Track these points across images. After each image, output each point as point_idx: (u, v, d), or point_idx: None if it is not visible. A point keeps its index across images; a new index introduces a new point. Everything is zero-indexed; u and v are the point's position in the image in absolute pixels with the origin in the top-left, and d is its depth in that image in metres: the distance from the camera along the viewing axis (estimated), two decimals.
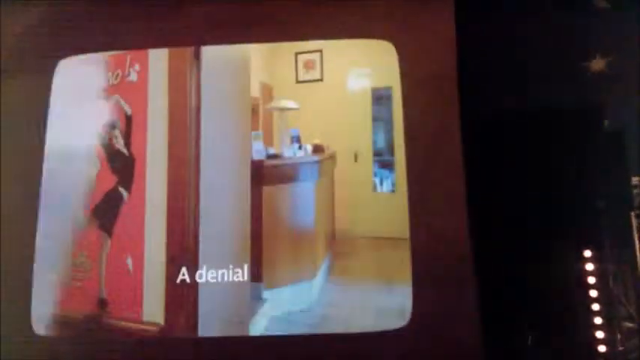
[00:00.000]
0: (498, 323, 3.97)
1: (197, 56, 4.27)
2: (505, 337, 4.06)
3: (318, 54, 4.36)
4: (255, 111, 4.36)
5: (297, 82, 4.37)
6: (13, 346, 3.87)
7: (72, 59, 4.31)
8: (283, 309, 4.08)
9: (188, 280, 4.00)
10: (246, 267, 4.01)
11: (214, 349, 3.90)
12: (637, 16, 4.47)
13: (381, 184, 4.30)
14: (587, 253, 4.26)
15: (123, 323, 4.01)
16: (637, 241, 4.30)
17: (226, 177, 4.14)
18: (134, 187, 4.17)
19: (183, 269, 4.01)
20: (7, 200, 4.06)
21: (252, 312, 4.01)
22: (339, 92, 4.36)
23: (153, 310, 4.01)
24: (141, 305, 4.03)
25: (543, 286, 4.20)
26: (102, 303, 4.05)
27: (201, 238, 4.05)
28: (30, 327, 3.94)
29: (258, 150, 4.26)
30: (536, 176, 4.23)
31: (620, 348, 4.14)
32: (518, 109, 4.44)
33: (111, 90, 4.27)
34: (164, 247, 4.06)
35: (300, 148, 4.38)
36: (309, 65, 4.37)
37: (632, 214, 4.36)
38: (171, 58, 4.27)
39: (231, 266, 4.01)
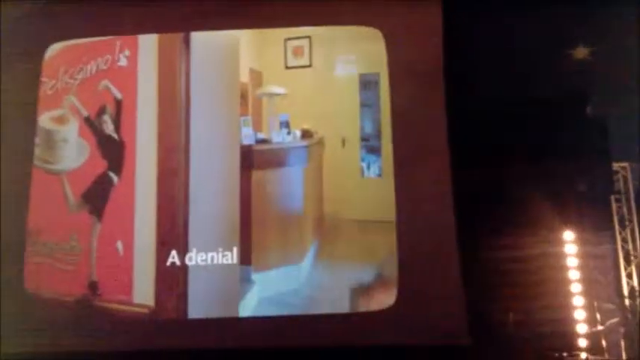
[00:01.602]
0: (481, 303, 4.05)
1: (187, 42, 4.29)
2: (488, 315, 4.15)
3: (306, 40, 4.40)
4: (244, 96, 4.41)
5: (286, 68, 4.41)
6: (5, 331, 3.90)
7: (61, 44, 4.32)
8: (272, 291, 4.15)
9: (178, 263, 4.05)
10: (235, 250, 4.06)
11: (204, 331, 3.96)
12: (620, 5, 4.54)
13: (369, 168, 4.35)
14: (569, 236, 4.36)
15: (114, 306, 4.05)
16: (617, 224, 4.41)
17: (216, 161, 4.18)
18: (124, 171, 4.20)
19: (173, 252, 4.06)
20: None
21: (241, 294, 4.07)
22: (327, 78, 4.41)
23: (143, 293, 4.05)
24: (131, 288, 4.07)
25: (525, 266, 4.30)
26: (93, 286, 4.08)
27: (190, 222, 4.10)
28: (21, 310, 3.97)
29: (248, 135, 4.31)
30: (520, 161, 4.31)
31: (600, 328, 4.24)
32: (502, 95, 4.50)
33: (100, 75, 4.29)
34: (154, 230, 4.11)
35: (288, 133, 4.42)
36: (297, 51, 4.41)
37: (613, 198, 4.46)
38: (160, 43, 4.29)
39: (220, 249, 4.06)
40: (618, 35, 4.52)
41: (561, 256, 4.34)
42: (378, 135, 4.30)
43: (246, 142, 4.28)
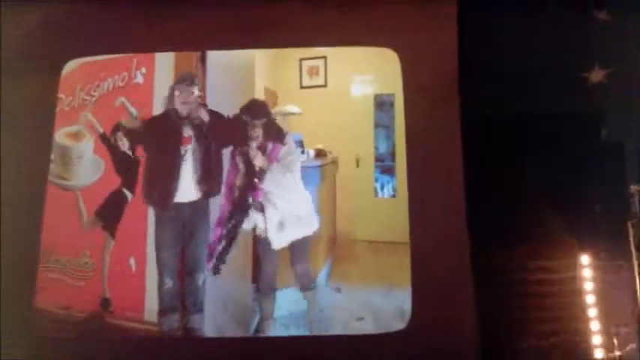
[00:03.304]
0: (496, 328, 4.00)
1: (203, 60, 4.33)
2: (503, 342, 4.10)
3: (322, 60, 4.43)
4: None
5: (301, 87, 4.43)
6: (14, 346, 3.90)
7: (79, 61, 4.37)
8: (284, 310, 4.13)
9: (189, 281, 4.04)
10: (248, 269, 4.05)
11: (216, 350, 3.93)
12: (637, 27, 4.53)
13: (382, 189, 4.35)
14: (585, 260, 4.30)
15: (125, 323, 4.05)
16: (633, 248, 4.35)
17: None
18: (138, 188, 4.21)
19: (185, 270, 4.05)
20: (14, 199, 4.09)
21: (253, 313, 4.06)
22: (342, 98, 4.43)
23: (154, 310, 4.05)
24: (143, 305, 4.07)
25: (540, 291, 4.24)
26: (105, 303, 4.09)
27: None
28: (32, 326, 3.97)
29: None
30: (535, 183, 4.28)
31: (618, 353, 4.17)
32: (517, 117, 4.49)
33: (117, 92, 4.32)
34: None
35: (302, 152, 4.42)
36: (313, 71, 4.44)
37: (629, 222, 4.41)
38: (177, 61, 4.33)
39: (233, 268, 4.05)
40: (636, 57, 4.50)
41: (577, 281, 4.28)
42: (392, 155, 4.30)
43: None
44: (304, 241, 4.12)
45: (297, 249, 4.13)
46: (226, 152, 4.16)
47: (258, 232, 4.12)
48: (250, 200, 4.11)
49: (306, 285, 4.11)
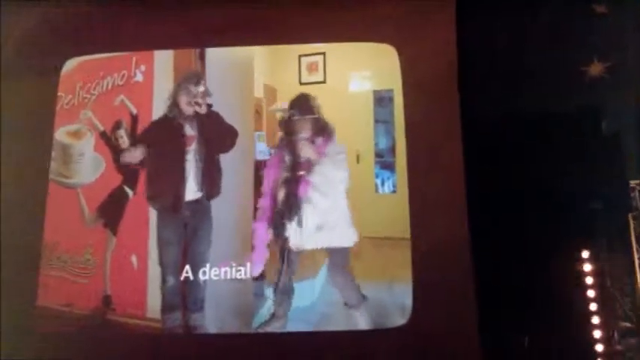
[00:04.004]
0: (496, 322, 4.01)
1: (202, 58, 4.33)
2: (503, 335, 4.10)
3: (321, 56, 4.42)
4: (258, 112, 4.42)
5: (301, 84, 4.42)
6: (17, 343, 3.91)
7: (78, 59, 4.37)
8: None
9: (191, 278, 4.05)
10: (248, 265, 4.06)
11: (217, 345, 3.95)
12: (635, 21, 4.52)
13: (383, 184, 4.34)
14: (585, 254, 4.31)
15: (127, 320, 4.06)
16: (634, 242, 4.35)
17: (230, 176, 4.19)
18: (139, 186, 4.23)
19: (187, 267, 4.06)
20: (15, 197, 4.10)
21: (254, 309, 4.07)
22: (341, 94, 4.41)
23: (156, 308, 4.06)
24: (145, 302, 4.08)
25: (541, 286, 4.24)
26: (106, 300, 4.10)
27: None
28: (34, 323, 3.99)
29: (262, 150, 4.32)
30: (535, 178, 4.28)
31: (618, 347, 4.18)
32: (517, 112, 4.49)
33: (117, 90, 4.33)
34: None
35: None
36: (312, 67, 4.43)
37: (630, 216, 4.41)
38: (176, 59, 4.34)
39: (234, 264, 4.06)
40: (635, 51, 4.49)
41: (578, 275, 4.29)
42: (392, 151, 4.29)
43: (260, 157, 4.29)
44: (342, 251, 4.07)
45: (335, 259, 4.06)
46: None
47: (293, 229, 4.08)
48: (296, 195, 4.08)
49: (353, 301, 4.00)
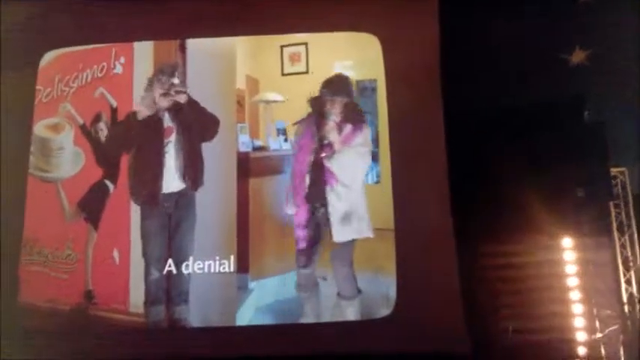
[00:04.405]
0: (480, 312, 4.04)
1: (182, 49, 4.28)
2: (487, 325, 4.13)
3: (303, 47, 4.38)
4: (240, 103, 4.38)
5: (283, 74, 4.39)
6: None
7: (56, 52, 4.31)
8: (269, 299, 4.14)
9: (175, 272, 4.03)
10: (232, 258, 4.05)
11: (201, 339, 3.94)
12: (617, 8, 4.53)
13: (367, 175, 4.33)
14: (567, 242, 4.34)
15: (109, 314, 4.03)
16: (615, 231, 4.39)
17: (212, 169, 4.16)
18: (120, 179, 4.18)
19: (170, 261, 4.04)
20: None
21: (238, 302, 4.06)
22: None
23: (139, 302, 4.03)
24: (127, 296, 4.05)
25: (523, 273, 4.28)
26: (88, 295, 4.07)
27: None
28: (16, 319, 3.95)
29: (244, 142, 4.29)
30: (518, 167, 4.29)
31: (599, 335, 4.22)
32: (500, 100, 4.49)
33: (96, 82, 4.27)
34: None
35: (285, 140, 4.39)
36: (294, 58, 4.39)
37: (611, 204, 4.44)
38: (156, 50, 4.28)
39: (217, 257, 4.04)
40: (616, 39, 4.50)
41: (560, 263, 4.32)
42: (375, 141, 4.28)
43: (242, 149, 4.26)
44: (349, 244, 4.01)
45: (342, 251, 4.01)
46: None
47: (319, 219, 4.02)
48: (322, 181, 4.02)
49: (348, 293, 3.97)
